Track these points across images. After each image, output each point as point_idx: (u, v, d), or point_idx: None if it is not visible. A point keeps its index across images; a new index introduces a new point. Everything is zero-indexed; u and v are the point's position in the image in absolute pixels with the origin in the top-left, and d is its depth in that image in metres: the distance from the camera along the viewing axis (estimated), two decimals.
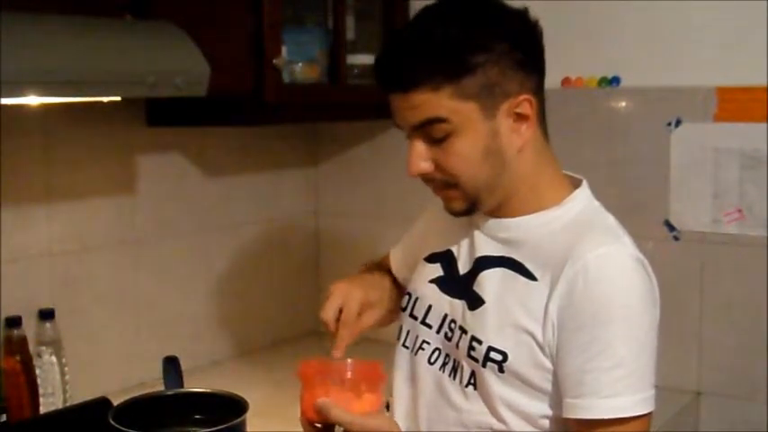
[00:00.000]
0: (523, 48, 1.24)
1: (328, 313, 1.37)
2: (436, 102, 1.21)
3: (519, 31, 1.25)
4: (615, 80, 2.16)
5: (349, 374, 1.30)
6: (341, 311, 1.38)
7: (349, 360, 1.32)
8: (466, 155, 1.24)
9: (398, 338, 1.44)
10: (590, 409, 1.20)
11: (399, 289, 1.54)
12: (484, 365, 1.27)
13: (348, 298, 1.38)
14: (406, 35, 1.26)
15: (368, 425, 1.21)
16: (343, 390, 1.25)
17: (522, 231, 1.30)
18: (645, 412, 1.20)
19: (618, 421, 1.19)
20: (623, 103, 2.17)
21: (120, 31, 1.69)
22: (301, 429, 1.28)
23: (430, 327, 1.38)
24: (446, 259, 1.39)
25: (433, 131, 1.23)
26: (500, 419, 1.27)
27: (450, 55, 1.20)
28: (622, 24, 2.14)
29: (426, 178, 1.29)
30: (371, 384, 1.26)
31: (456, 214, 1.31)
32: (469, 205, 1.29)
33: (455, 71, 1.20)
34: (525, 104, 1.24)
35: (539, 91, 1.27)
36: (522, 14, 1.26)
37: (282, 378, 1.36)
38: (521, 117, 1.25)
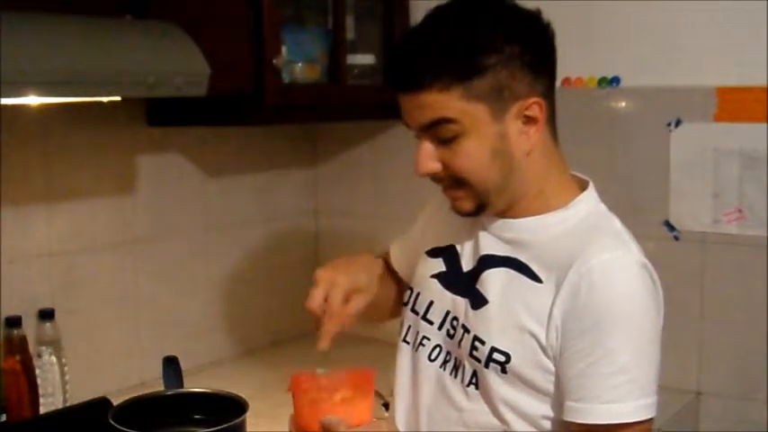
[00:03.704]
0: (535, 50, 1.24)
1: (313, 303, 1.33)
2: (445, 102, 1.20)
3: (531, 33, 1.25)
4: (615, 80, 2.16)
5: (340, 389, 1.28)
6: (327, 300, 1.34)
7: (338, 371, 1.30)
8: (474, 156, 1.23)
9: (400, 334, 1.44)
10: (591, 413, 1.20)
11: (395, 278, 1.54)
12: (486, 366, 1.27)
13: (332, 285, 1.34)
14: (417, 35, 1.25)
15: None
16: (335, 403, 1.25)
17: (529, 232, 1.30)
18: (645, 418, 1.20)
19: (618, 426, 1.19)
20: (623, 103, 2.16)
21: (120, 31, 1.69)
22: None
23: (431, 323, 1.37)
24: (449, 255, 1.38)
25: (441, 132, 1.23)
26: (502, 420, 1.27)
27: (460, 56, 1.20)
28: (622, 24, 2.14)
29: (434, 178, 1.29)
30: (363, 392, 1.26)
31: (464, 215, 1.31)
32: (478, 206, 1.28)
33: (465, 72, 1.20)
34: (535, 107, 1.24)
35: (549, 94, 1.27)
36: (535, 16, 1.26)
37: (282, 378, 1.35)
38: (530, 120, 1.24)
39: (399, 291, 1.53)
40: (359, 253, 1.49)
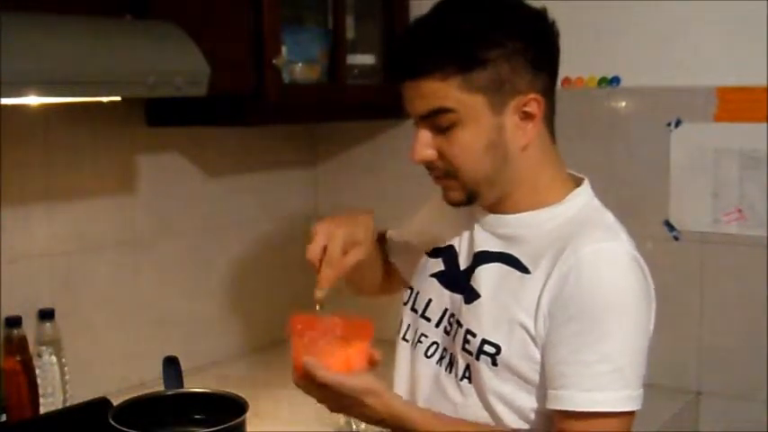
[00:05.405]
0: (537, 47, 1.25)
1: (313, 253, 1.33)
2: (444, 92, 1.22)
3: (534, 29, 1.26)
4: (615, 80, 2.17)
5: (338, 331, 1.28)
6: (326, 251, 1.34)
7: (337, 318, 1.30)
8: (469, 146, 1.24)
9: (399, 332, 1.45)
10: (570, 400, 1.20)
11: (384, 257, 1.57)
12: (477, 358, 1.28)
13: (331, 236, 1.35)
14: (422, 25, 1.27)
15: (353, 385, 1.21)
16: (332, 344, 1.24)
17: (522, 228, 1.31)
18: (627, 410, 1.20)
19: (597, 415, 1.19)
20: (623, 103, 2.17)
21: (120, 31, 1.69)
22: (300, 429, 1.28)
23: (429, 320, 1.39)
24: (448, 254, 1.40)
25: (439, 121, 1.24)
26: (492, 412, 1.28)
27: (462, 47, 1.21)
28: (622, 24, 2.14)
29: (428, 166, 1.30)
30: (359, 337, 1.26)
31: (454, 204, 1.32)
32: (467, 197, 1.30)
33: (466, 63, 1.21)
34: (533, 103, 1.25)
35: (548, 91, 1.28)
36: (540, 14, 1.27)
37: (282, 378, 1.35)
38: (527, 115, 1.25)
39: (386, 270, 1.57)
40: (359, 210, 1.49)
